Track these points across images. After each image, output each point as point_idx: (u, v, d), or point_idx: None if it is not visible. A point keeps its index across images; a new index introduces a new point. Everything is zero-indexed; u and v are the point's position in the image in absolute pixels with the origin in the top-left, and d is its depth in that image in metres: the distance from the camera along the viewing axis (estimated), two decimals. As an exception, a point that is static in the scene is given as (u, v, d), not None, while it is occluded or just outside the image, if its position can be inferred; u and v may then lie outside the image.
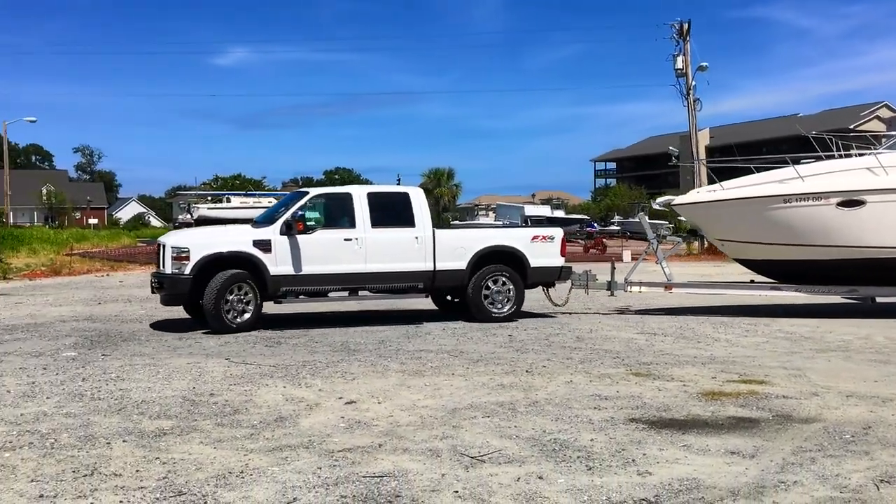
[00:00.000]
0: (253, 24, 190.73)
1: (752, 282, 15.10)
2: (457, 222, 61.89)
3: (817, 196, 13.29)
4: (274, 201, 35.07)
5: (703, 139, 37.42)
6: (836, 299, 14.95)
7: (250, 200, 49.32)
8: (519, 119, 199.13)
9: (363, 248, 12.31)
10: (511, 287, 13.08)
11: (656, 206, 16.58)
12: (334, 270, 12.19)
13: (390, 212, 12.69)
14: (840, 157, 14.46)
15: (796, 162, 14.27)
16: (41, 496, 4.79)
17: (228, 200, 51.43)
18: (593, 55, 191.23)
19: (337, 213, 12.62)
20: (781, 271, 14.31)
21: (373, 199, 12.65)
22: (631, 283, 14.79)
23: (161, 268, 12.01)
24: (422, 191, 13.46)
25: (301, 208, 12.20)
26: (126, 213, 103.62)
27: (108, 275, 24.08)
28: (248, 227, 12.63)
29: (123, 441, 5.97)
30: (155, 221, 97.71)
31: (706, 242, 25.36)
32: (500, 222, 56.52)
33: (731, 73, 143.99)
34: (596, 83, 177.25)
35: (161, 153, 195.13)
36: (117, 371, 8.67)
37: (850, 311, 14.40)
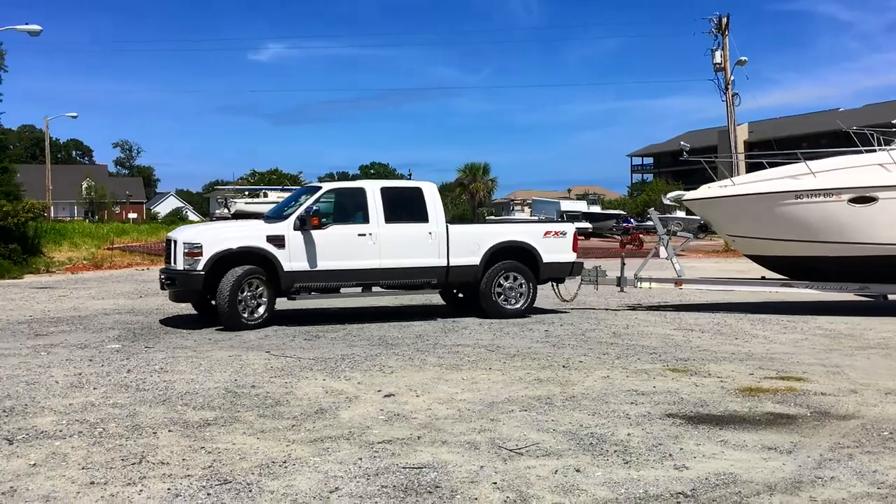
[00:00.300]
0: (290, 20, 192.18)
1: (763, 278, 14.98)
2: (492, 217, 61.88)
3: (829, 192, 13.15)
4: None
5: (742, 134, 37.02)
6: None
7: (287, 195, 49.70)
8: (555, 113, 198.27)
9: (377, 243, 12.16)
10: (524, 283, 13.00)
11: (666, 202, 16.48)
12: (348, 266, 12.04)
13: (404, 207, 12.55)
14: (857, 152, 14.28)
15: (809, 157, 14.12)
16: (92, 483, 4.96)
17: (265, 195, 51.95)
18: (631, 49, 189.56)
19: (350, 209, 12.50)
20: (792, 267, 14.16)
21: (386, 193, 12.50)
22: (641, 278, 14.72)
23: (172, 264, 11.75)
24: (434, 185, 13.30)
25: (315, 203, 12.04)
26: (164, 208, 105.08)
27: (148, 269, 24.51)
28: (260, 222, 12.41)
29: (169, 431, 6.14)
30: (192, 216, 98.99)
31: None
32: (534, 217, 56.38)
33: (770, 67, 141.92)
34: (633, 78, 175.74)
35: (198, 148, 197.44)
36: (161, 363, 8.88)
37: (891, 309, 14.18)
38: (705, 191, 14.90)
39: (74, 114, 53.27)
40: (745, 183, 14.50)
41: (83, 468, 5.23)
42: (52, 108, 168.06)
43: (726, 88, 33.84)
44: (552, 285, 13.88)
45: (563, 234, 13.48)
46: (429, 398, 7.28)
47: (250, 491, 4.83)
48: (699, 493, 4.81)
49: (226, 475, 5.11)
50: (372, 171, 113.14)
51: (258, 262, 11.54)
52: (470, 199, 78.10)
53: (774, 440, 5.94)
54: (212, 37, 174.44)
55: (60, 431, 6.08)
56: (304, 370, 8.54)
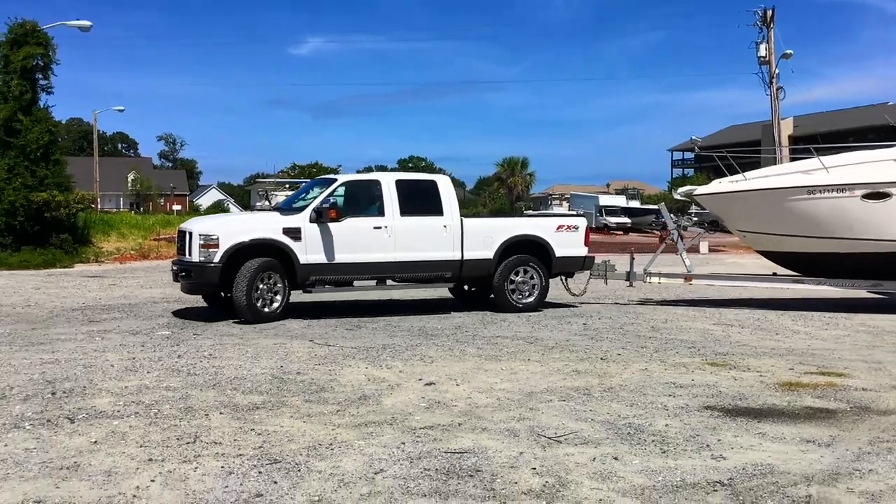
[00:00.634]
0: (330, 15, 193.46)
1: (774, 274, 14.86)
2: (530, 212, 61.75)
3: (842, 188, 13.00)
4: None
5: (787, 128, 36.49)
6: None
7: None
8: (595, 107, 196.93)
9: (392, 236, 12.05)
10: (536, 277, 12.95)
11: (677, 197, 16.41)
12: (363, 259, 11.93)
13: (419, 200, 12.47)
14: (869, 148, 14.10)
15: (823, 152, 13.95)
16: (150, 460, 5.20)
17: (305, 189, 52.39)
18: (672, 42, 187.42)
19: (366, 201, 12.45)
20: (804, 264, 14.03)
21: (401, 186, 12.40)
22: (650, 273, 14.71)
23: (187, 255, 11.54)
24: (448, 178, 13.27)
25: (331, 195, 11.95)
26: (206, 200, 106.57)
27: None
28: (276, 214, 12.30)
29: (220, 413, 6.38)
30: (234, 208, 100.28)
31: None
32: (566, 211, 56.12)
33: (816, 60, 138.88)
34: (675, 71, 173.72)
35: (240, 141, 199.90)
36: (209, 349, 9.16)
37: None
38: (716, 186, 14.80)
39: (121, 108, 54.54)
40: (757, 178, 14.38)
41: (141, 446, 5.48)
42: (97, 101, 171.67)
43: (771, 82, 33.39)
44: (561, 279, 13.79)
45: (576, 228, 13.43)
46: (468, 387, 7.43)
47: (299, 470, 5.03)
48: (736, 483, 4.90)
49: (275, 455, 5.32)
50: (410, 165, 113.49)
51: (274, 254, 11.43)
52: (508, 193, 78.02)
53: (813, 433, 5.99)
54: (254, 31, 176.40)
55: (118, 412, 6.36)
56: (347, 358, 8.75)
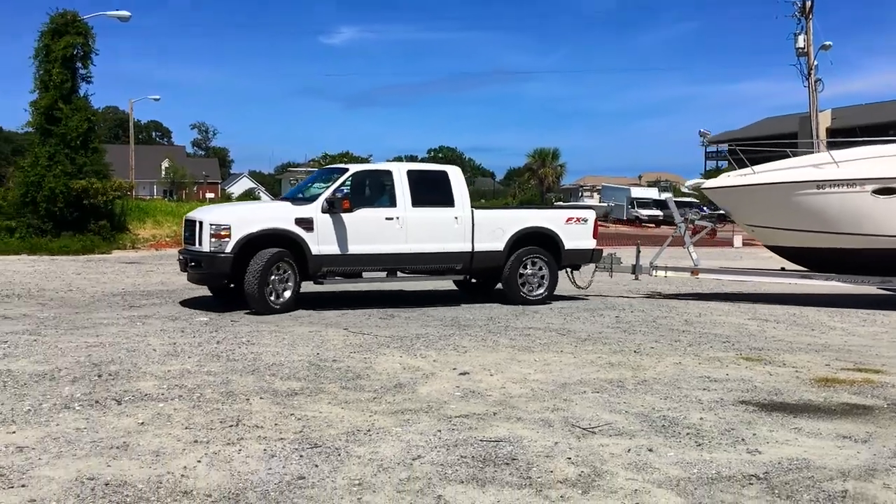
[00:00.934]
0: (363, 4, 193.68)
1: (782, 269, 14.72)
2: (561, 203, 61.53)
3: (852, 182, 12.84)
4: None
5: (825, 121, 35.86)
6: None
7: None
8: (627, 98, 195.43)
9: (404, 227, 11.92)
10: (545, 269, 12.88)
11: (685, 190, 16.36)
12: (375, 250, 11.80)
13: (430, 190, 12.34)
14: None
15: (833, 147, 13.76)
16: (195, 441, 5.36)
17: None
18: (708, 33, 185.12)
19: (378, 192, 12.37)
20: (813, 259, 13.89)
21: (413, 177, 12.27)
22: (656, 266, 14.63)
23: (197, 245, 11.34)
24: (459, 169, 13.10)
25: (342, 186, 11.78)
26: (238, 189, 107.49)
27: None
28: (287, 204, 12.03)
29: (260, 398, 6.53)
30: (265, 197, 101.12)
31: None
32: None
33: (856, 52, 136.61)
34: (710, 62, 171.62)
35: (271, 130, 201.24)
36: (247, 336, 9.33)
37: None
38: (725, 179, 14.68)
39: (157, 96, 55.24)
40: (766, 171, 14.26)
41: (186, 428, 5.64)
42: (131, 89, 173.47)
43: (809, 74, 32.89)
44: (566, 272, 13.67)
45: (585, 220, 13.34)
46: (502, 377, 7.51)
47: (339, 455, 5.15)
48: (771, 476, 4.93)
49: (315, 440, 5.45)
50: (440, 155, 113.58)
51: (286, 244, 11.27)
52: (538, 184, 77.79)
53: (849, 429, 5.99)
54: (287, 21, 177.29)
55: (162, 395, 6.54)
56: (382, 347, 8.88)
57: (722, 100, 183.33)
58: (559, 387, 7.18)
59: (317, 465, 4.94)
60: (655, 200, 58.55)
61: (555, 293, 13.28)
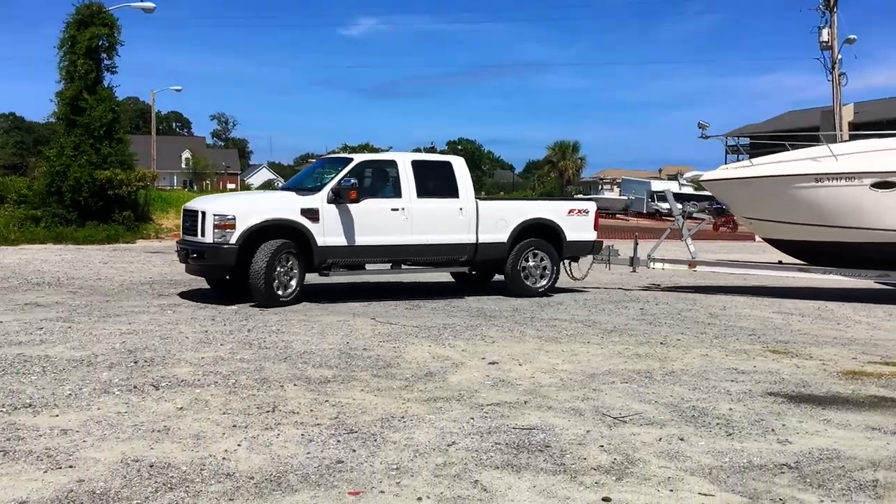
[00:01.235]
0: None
1: (780, 262, 14.68)
2: (580, 195, 61.38)
3: (850, 176, 12.80)
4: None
5: (847, 115, 35.55)
6: None
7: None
8: (648, 91, 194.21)
9: (409, 218, 11.79)
10: (547, 261, 12.85)
11: (682, 182, 16.32)
12: (381, 242, 11.65)
13: (435, 181, 12.21)
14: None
15: (830, 140, 13.69)
16: (234, 426, 5.48)
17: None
18: (731, 25, 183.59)
19: (382, 182, 12.22)
20: (810, 253, 13.85)
21: (417, 167, 12.13)
22: (654, 259, 14.64)
23: (199, 236, 11.03)
24: (463, 160, 12.95)
25: (348, 176, 11.50)
26: (257, 180, 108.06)
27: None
28: (292, 194, 11.69)
29: (294, 385, 6.64)
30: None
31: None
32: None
33: (880, 44, 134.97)
34: (731, 55, 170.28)
35: (290, 121, 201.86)
36: (277, 325, 9.46)
37: None
38: (723, 172, 14.63)
39: (179, 87, 55.60)
40: (764, 164, 14.24)
41: (224, 413, 5.77)
42: (151, 80, 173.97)
43: (833, 68, 32.60)
44: (564, 263, 13.52)
45: (586, 212, 13.32)
46: (531, 367, 7.59)
47: (375, 440, 5.25)
48: (803, 466, 4.98)
49: (351, 426, 5.56)
50: (459, 147, 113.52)
51: (291, 235, 11.04)
52: (558, 177, 77.63)
53: (879, 421, 6.02)
54: (306, 12, 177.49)
55: (198, 381, 6.67)
56: (410, 336, 8.98)
57: (743, 93, 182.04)
58: (588, 377, 7.24)
59: (354, 450, 5.04)
60: (676, 194, 58.23)
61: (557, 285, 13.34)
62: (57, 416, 5.64)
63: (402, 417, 5.80)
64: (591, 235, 13.40)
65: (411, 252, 12.03)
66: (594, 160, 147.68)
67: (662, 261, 14.72)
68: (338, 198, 11.30)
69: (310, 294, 11.75)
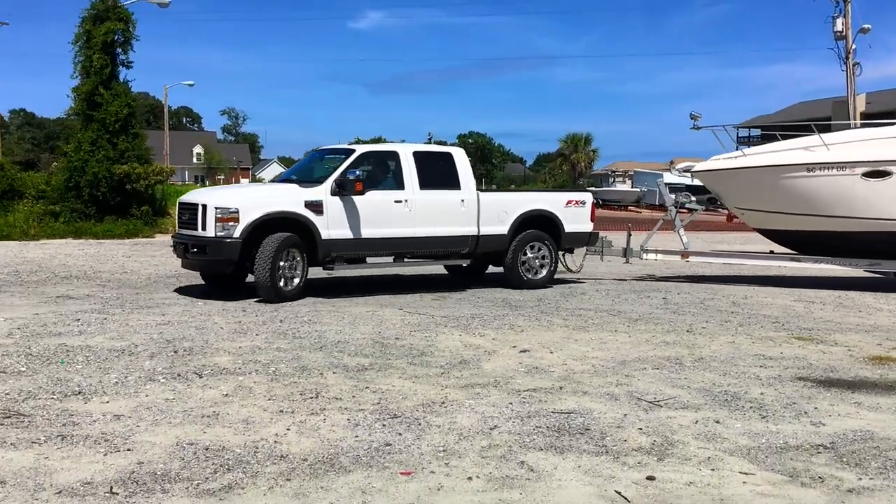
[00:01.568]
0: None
1: (771, 252, 14.72)
2: (592, 188, 61.27)
3: (842, 165, 12.80)
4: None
5: (860, 105, 35.51)
6: None
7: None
8: (659, 83, 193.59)
9: (412, 210, 11.63)
10: (546, 252, 12.84)
11: (675, 173, 16.36)
12: (385, 234, 11.48)
13: (436, 173, 12.05)
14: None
15: (823, 130, 13.69)
16: (281, 411, 5.64)
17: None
18: (740, 16, 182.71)
19: (384, 174, 12.07)
20: (802, 243, 13.86)
21: (419, 158, 11.96)
22: (647, 250, 14.71)
23: (199, 230, 10.66)
24: (464, 151, 12.89)
25: (351, 167, 11.27)
26: (268, 174, 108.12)
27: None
28: (295, 186, 11.33)
29: (333, 373, 6.80)
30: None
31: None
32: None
33: (891, 33, 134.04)
34: (743, 46, 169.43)
35: (301, 116, 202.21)
36: (307, 315, 9.62)
37: None
38: (714, 163, 14.65)
39: (191, 82, 55.73)
40: (756, 154, 14.28)
41: (269, 399, 5.93)
42: (161, 75, 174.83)
43: (847, 58, 32.52)
44: (560, 255, 13.47)
45: (583, 203, 13.36)
46: (562, 354, 7.72)
47: (419, 424, 5.40)
48: (838, 446, 5.10)
49: (394, 411, 5.70)
50: (470, 141, 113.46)
51: (296, 229, 10.80)
52: (570, 169, 77.63)
53: (909, 404, 6.13)
54: (315, 6, 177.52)
55: (239, 369, 6.83)
56: (440, 326, 9.12)
57: (753, 84, 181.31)
58: (619, 364, 7.37)
59: (400, 434, 5.19)
60: (688, 186, 58.16)
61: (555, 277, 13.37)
62: (107, 402, 5.80)
63: (443, 403, 5.94)
64: (588, 226, 13.47)
65: (415, 245, 11.92)
66: (606, 152, 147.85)
67: (655, 251, 14.81)
68: (342, 190, 11.06)
69: (311, 289, 11.74)
